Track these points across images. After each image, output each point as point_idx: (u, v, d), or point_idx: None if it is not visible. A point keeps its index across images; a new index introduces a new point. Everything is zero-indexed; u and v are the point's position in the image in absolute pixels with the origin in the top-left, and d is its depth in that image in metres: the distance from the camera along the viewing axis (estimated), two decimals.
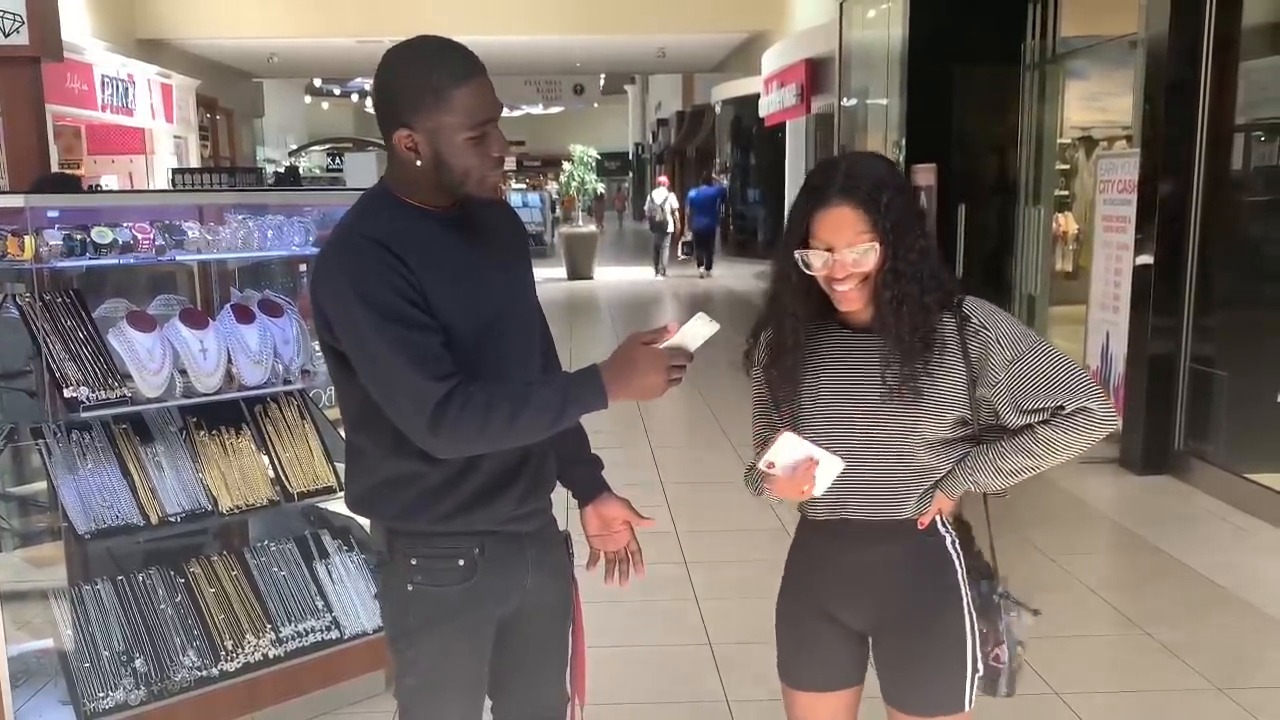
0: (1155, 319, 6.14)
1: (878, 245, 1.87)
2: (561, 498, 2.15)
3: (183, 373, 3.15)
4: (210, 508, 3.21)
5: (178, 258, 3.28)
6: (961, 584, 2.02)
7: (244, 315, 3.27)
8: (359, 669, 3.43)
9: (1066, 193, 9.01)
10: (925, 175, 8.90)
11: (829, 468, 1.89)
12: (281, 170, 12.21)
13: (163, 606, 3.15)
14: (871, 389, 1.95)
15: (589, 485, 2.19)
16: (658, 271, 19.27)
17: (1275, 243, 6.09)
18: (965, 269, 8.25)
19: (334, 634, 3.36)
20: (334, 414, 4.04)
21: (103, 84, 12.76)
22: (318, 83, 34.15)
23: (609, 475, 2.22)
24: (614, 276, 19.22)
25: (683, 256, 19.84)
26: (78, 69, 12.00)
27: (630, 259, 22.93)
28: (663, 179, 21.20)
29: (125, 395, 3.01)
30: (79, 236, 2.97)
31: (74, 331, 3.00)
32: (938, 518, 2.02)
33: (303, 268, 4.20)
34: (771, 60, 17.01)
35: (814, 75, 14.90)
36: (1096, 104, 8.74)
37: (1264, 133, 6.09)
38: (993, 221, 9.15)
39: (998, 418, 1.97)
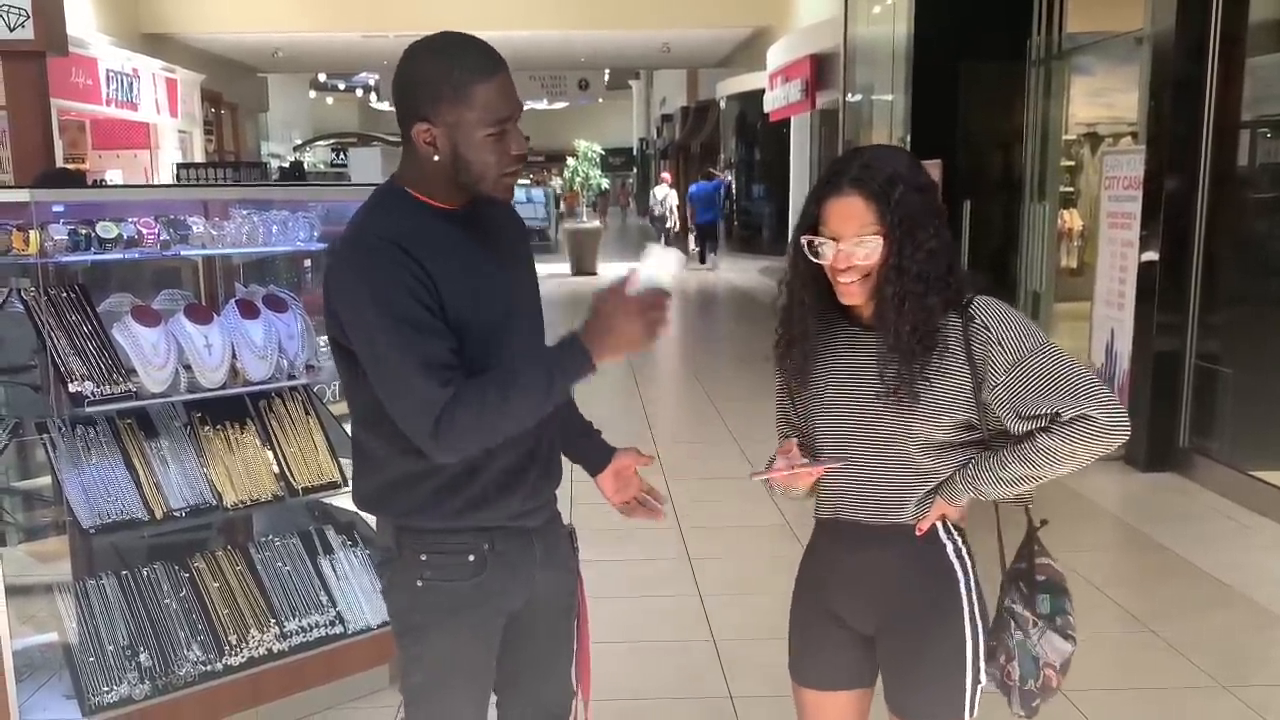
0: (1160, 316, 6.13)
1: (883, 240, 1.84)
2: (563, 492, 2.15)
3: (187, 368, 3.15)
4: (215, 503, 3.22)
5: (182, 253, 3.29)
6: (964, 594, 1.96)
7: (249, 310, 3.27)
8: (363, 664, 3.43)
9: (1072, 189, 8.99)
10: (930, 171, 8.87)
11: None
12: (286, 165, 12.20)
13: (167, 601, 3.15)
14: (870, 387, 1.92)
15: (601, 451, 2.20)
16: None
17: None
18: (970, 265, 8.22)
19: (338, 629, 3.36)
20: (339, 409, 4.05)
21: (108, 79, 12.76)
22: (322, 78, 34.18)
23: None
24: (618, 271, 19.16)
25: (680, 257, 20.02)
26: (83, 64, 12.00)
27: (634, 254, 22.90)
28: (665, 175, 21.28)
29: (130, 390, 3.01)
30: (84, 231, 2.97)
31: (79, 326, 3.00)
32: (939, 524, 1.97)
33: (307, 263, 4.21)
34: (776, 55, 16.98)
35: (819, 71, 14.88)
36: (1102, 100, 8.73)
37: (1269, 129, 6.08)
38: (998, 218, 9.13)
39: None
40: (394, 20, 16.40)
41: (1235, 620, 4.19)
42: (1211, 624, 4.14)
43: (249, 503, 3.28)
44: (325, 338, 2.50)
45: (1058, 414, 1.84)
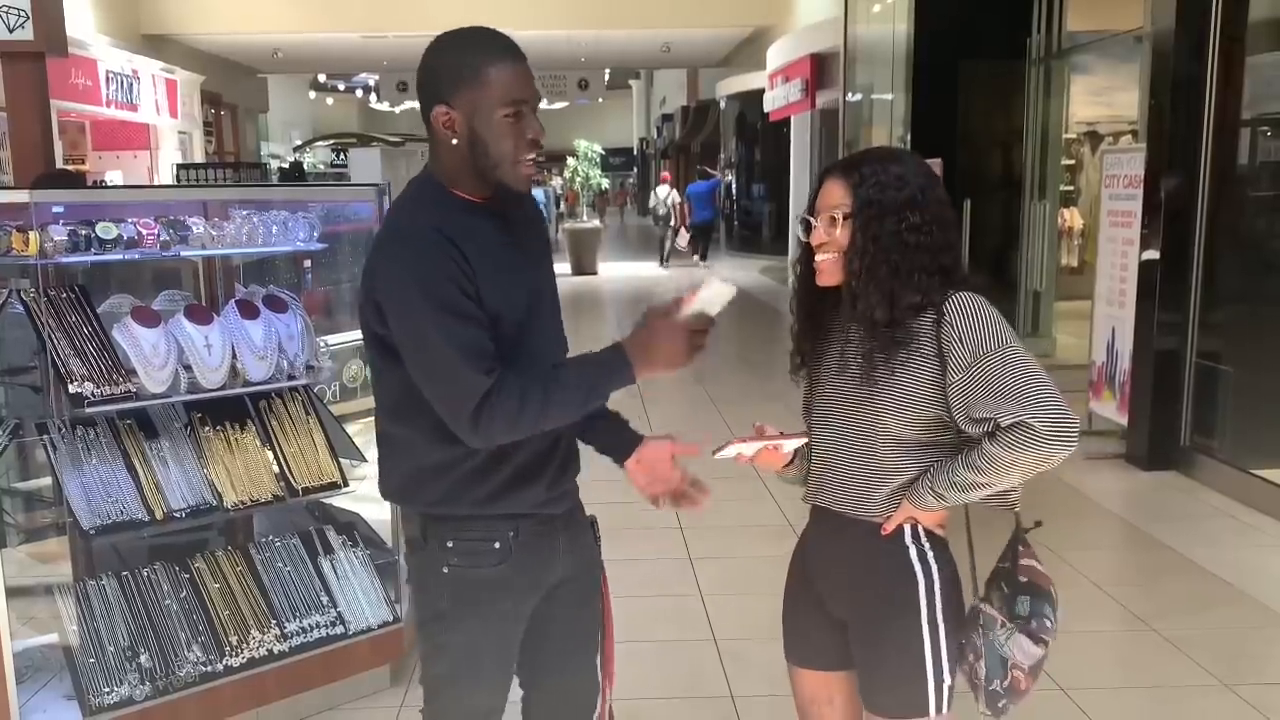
0: (1161, 314, 6.12)
1: (847, 218, 1.91)
2: (582, 480, 2.15)
3: (187, 368, 3.15)
4: (215, 503, 3.21)
5: (182, 253, 3.28)
6: (923, 596, 1.95)
7: (249, 311, 3.27)
8: (363, 664, 3.43)
9: (1072, 188, 9.00)
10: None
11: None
12: (286, 166, 12.20)
13: (167, 602, 3.15)
14: (850, 375, 1.97)
15: (627, 440, 2.18)
16: (662, 263, 19.88)
17: None
18: (970, 265, 8.24)
19: (339, 629, 3.36)
20: (339, 409, 4.05)
21: (107, 79, 12.75)
22: (322, 78, 34.15)
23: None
24: (618, 271, 19.29)
25: (681, 247, 20.25)
26: (82, 64, 11.99)
27: (634, 254, 22.93)
28: (665, 175, 21.51)
29: (130, 391, 3.01)
30: (84, 232, 2.97)
31: (79, 327, 3.00)
32: (907, 528, 1.97)
33: (307, 263, 4.20)
34: (776, 55, 16.99)
35: (819, 70, 14.88)
36: (1102, 99, 8.74)
37: (1270, 128, 6.08)
38: (998, 217, 9.14)
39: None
40: (393, 21, 16.41)
41: (1237, 618, 4.19)
42: (1213, 622, 4.13)
43: (249, 503, 3.28)
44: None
45: (998, 419, 1.83)
